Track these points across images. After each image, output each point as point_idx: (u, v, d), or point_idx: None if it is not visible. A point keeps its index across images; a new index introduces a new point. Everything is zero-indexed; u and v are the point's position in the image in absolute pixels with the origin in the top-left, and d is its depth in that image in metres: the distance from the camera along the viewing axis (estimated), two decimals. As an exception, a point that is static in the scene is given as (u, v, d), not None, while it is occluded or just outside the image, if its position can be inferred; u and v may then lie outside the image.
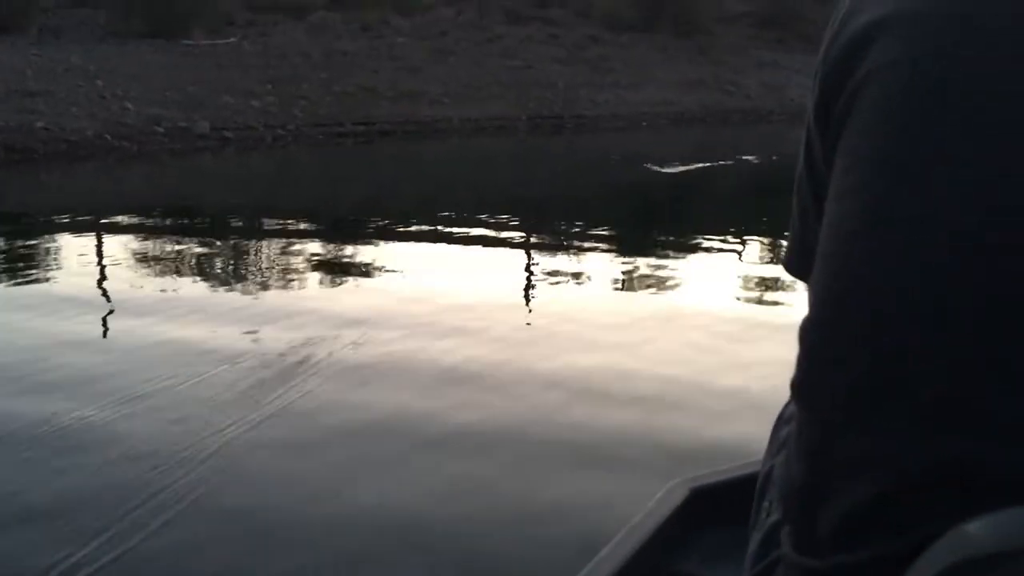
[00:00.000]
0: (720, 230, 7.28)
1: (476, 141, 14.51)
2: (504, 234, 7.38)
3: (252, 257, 6.53)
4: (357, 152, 13.30)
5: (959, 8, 0.60)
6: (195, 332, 4.24)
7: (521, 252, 6.83)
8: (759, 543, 0.80)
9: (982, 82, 0.58)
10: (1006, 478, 0.53)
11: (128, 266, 5.97)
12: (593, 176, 11.02)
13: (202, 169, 11.67)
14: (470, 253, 6.65)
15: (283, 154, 12.57)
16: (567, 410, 3.35)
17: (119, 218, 7.83)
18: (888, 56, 0.62)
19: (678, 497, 1.30)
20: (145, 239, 6.93)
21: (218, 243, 6.87)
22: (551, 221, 8.08)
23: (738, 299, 5.28)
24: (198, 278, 5.65)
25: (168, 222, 7.88)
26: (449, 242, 7.00)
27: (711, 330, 4.44)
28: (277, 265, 6.16)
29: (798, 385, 0.66)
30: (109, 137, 11.44)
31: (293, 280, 5.66)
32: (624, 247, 6.92)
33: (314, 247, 6.76)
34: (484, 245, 6.89)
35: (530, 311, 4.98)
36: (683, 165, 11.05)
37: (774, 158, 11.59)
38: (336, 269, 6.00)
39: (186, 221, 7.97)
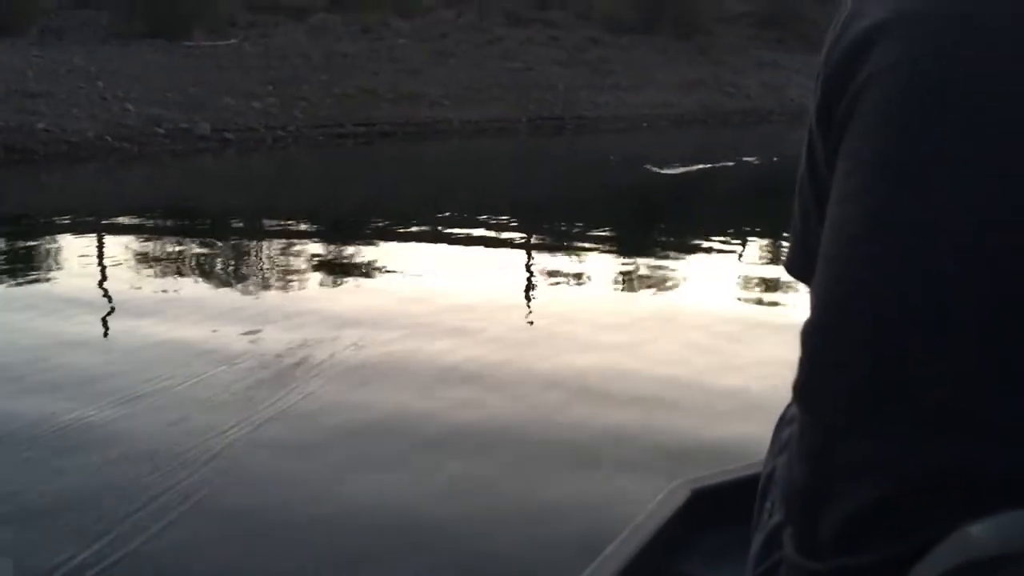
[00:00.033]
0: (720, 231, 7.29)
1: (476, 143, 14.51)
2: (504, 235, 7.38)
3: (252, 258, 6.53)
4: (357, 153, 13.30)
5: (959, 8, 0.61)
6: (195, 332, 4.24)
7: (521, 253, 6.83)
8: (761, 544, 0.80)
9: (982, 82, 0.58)
10: (1007, 480, 0.53)
11: (128, 267, 5.96)
12: (593, 177, 11.02)
13: (203, 170, 11.67)
14: (470, 254, 6.65)
15: (283, 155, 12.57)
16: (567, 410, 3.35)
17: (119, 219, 7.83)
18: (889, 58, 0.62)
19: (680, 498, 1.29)
20: (145, 240, 6.93)
21: (218, 244, 6.87)
22: (551, 222, 8.08)
23: (738, 299, 5.28)
24: (198, 279, 5.65)
25: (168, 223, 7.88)
26: (449, 243, 7.01)
27: (711, 330, 4.44)
28: (277, 266, 6.16)
29: (800, 388, 0.66)
30: (110, 138, 11.44)
31: (293, 281, 5.66)
32: (624, 248, 6.92)
33: (314, 248, 6.76)
34: (484, 246, 6.89)
35: (530, 311, 4.98)
36: (683, 166, 11.05)
37: (775, 159, 11.59)
38: (336, 270, 6.00)
39: (187, 222, 7.96)
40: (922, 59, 0.61)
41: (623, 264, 6.36)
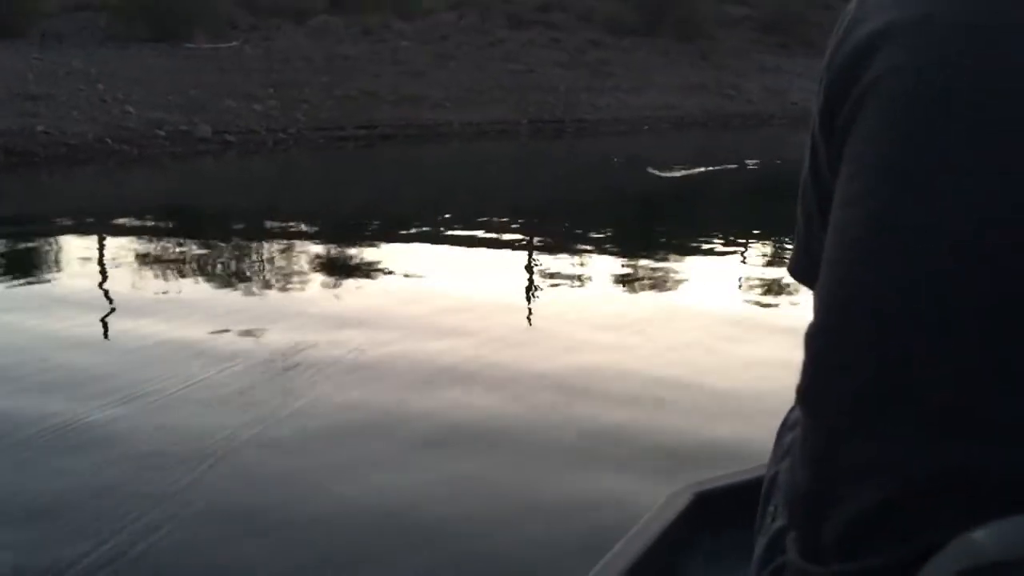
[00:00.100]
0: (721, 233, 7.29)
1: (477, 145, 14.51)
2: (505, 237, 7.38)
3: (252, 259, 6.53)
4: (358, 156, 13.31)
5: (963, 17, 0.61)
6: (195, 333, 4.24)
7: (522, 254, 6.83)
8: (764, 548, 0.80)
9: (986, 91, 0.59)
10: (1010, 481, 0.53)
11: (128, 268, 5.97)
12: (594, 180, 11.03)
13: (203, 172, 11.67)
14: (471, 255, 6.65)
15: (284, 158, 12.57)
16: (567, 410, 3.35)
17: (119, 220, 7.82)
18: (893, 64, 0.62)
19: (683, 501, 1.29)
20: (145, 241, 6.93)
21: (219, 245, 6.88)
22: (552, 224, 8.08)
23: (738, 301, 5.28)
24: (198, 280, 5.65)
25: (169, 224, 7.89)
26: (450, 244, 7.01)
27: (711, 331, 4.44)
28: (278, 267, 6.16)
29: (804, 391, 0.66)
30: (110, 141, 11.43)
31: (294, 281, 5.66)
32: (624, 250, 6.92)
33: (315, 249, 6.76)
34: (485, 248, 6.89)
35: (530, 312, 4.98)
36: (685, 169, 11.05)
37: (777, 162, 11.60)
38: (337, 271, 6.01)
39: (187, 224, 7.97)
40: (927, 68, 0.61)
41: (623, 265, 6.36)
